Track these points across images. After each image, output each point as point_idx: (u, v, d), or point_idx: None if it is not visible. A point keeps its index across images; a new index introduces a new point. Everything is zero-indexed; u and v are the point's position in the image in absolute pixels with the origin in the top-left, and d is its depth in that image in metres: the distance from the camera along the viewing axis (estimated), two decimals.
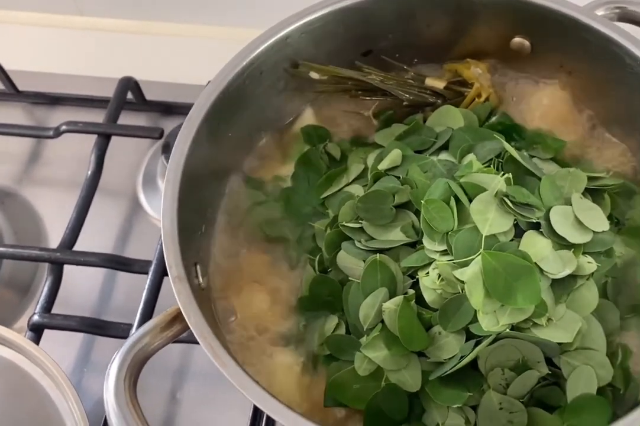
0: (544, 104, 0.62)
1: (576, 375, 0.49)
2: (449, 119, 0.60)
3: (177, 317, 0.47)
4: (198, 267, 0.51)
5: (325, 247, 0.55)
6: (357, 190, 0.58)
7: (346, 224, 0.54)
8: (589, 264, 0.50)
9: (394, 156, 0.56)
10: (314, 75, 0.61)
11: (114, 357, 0.45)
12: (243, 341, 0.52)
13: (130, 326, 0.66)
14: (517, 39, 0.60)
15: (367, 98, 0.63)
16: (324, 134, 0.63)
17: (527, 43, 0.60)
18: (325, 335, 0.52)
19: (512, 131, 0.61)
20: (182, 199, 0.50)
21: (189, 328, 0.46)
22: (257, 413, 0.65)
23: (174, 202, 0.50)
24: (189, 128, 0.53)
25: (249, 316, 0.54)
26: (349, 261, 0.53)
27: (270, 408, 0.42)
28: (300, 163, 0.61)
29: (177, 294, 0.45)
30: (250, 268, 0.56)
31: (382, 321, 0.50)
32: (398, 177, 0.56)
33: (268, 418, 0.65)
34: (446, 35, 0.61)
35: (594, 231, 0.51)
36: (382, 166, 0.56)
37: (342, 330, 0.52)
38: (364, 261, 0.52)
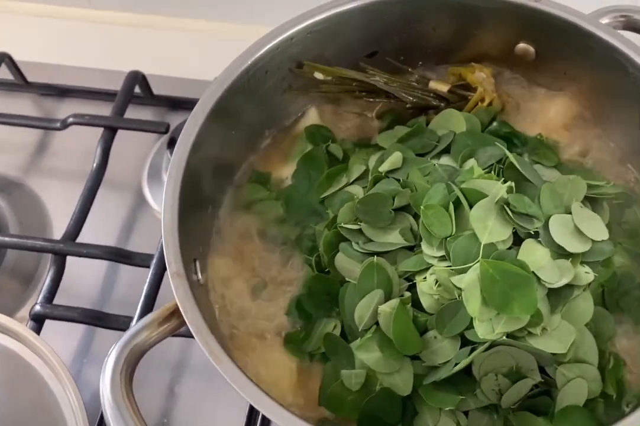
0: (547, 110, 0.62)
1: (569, 387, 0.49)
2: (452, 122, 0.60)
3: (175, 312, 0.47)
4: (197, 263, 0.52)
5: (324, 247, 0.55)
6: (358, 191, 0.58)
7: (345, 225, 0.54)
8: (587, 275, 0.50)
9: (395, 158, 0.57)
10: (319, 75, 0.61)
11: (111, 350, 0.46)
12: (240, 336, 0.52)
13: (130, 318, 0.67)
14: (521, 45, 0.60)
15: (371, 99, 0.63)
16: (327, 134, 0.63)
17: (531, 49, 0.60)
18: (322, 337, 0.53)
19: (513, 137, 0.61)
20: (183, 196, 0.51)
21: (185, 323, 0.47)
22: (253, 408, 0.66)
23: (175, 199, 0.50)
24: (193, 124, 0.54)
25: (245, 311, 0.54)
26: (347, 262, 0.53)
27: (264, 406, 0.43)
28: (302, 162, 0.62)
29: (175, 290, 0.46)
30: (249, 264, 0.57)
31: (377, 323, 0.50)
32: (398, 180, 0.56)
33: None
34: (451, 39, 0.62)
35: (593, 240, 0.51)
36: (383, 168, 0.57)
37: (337, 331, 0.52)
38: (362, 262, 0.52)
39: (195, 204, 0.53)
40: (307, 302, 0.55)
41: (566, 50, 0.59)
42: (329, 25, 0.58)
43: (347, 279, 0.53)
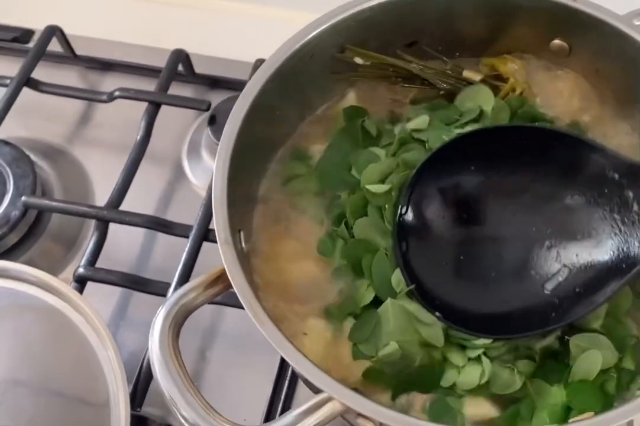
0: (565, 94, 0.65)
1: (583, 358, 0.53)
2: (480, 97, 0.63)
3: (220, 277, 0.51)
4: (242, 233, 0.55)
5: (350, 213, 0.58)
6: (381, 153, 0.61)
7: (369, 187, 0.57)
8: None
9: (421, 120, 0.61)
10: (359, 60, 0.64)
11: (161, 308, 0.50)
12: (278, 304, 0.56)
13: (168, 285, 0.71)
14: (556, 41, 0.63)
15: (406, 85, 0.66)
16: (364, 114, 0.66)
17: (566, 46, 0.63)
18: (359, 304, 0.56)
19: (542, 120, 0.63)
20: (231, 169, 0.54)
21: (230, 287, 0.51)
22: (281, 374, 0.70)
23: (224, 173, 0.54)
24: (242, 104, 0.57)
25: (287, 280, 0.58)
26: (374, 228, 0.57)
27: (303, 367, 0.46)
28: (337, 137, 0.64)
29: (223, 256, 0.49)
30: (289, 238, 0.60)
31: None
32: (423, 142, 0.59)
33: (291, 380, 0.70)
34: (489, 33, 0.64)
35: None
36: (409, 126, 0.60)
37: (371, 295, 0.56)
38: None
39: (241, 179, 0.56)
40: (346, 269, 0.58)
41: (600, 49, 0.61)
42: (372, 15, 0.61)
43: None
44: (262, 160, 0.62)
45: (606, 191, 0.55)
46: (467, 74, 0.66)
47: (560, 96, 0.65)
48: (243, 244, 0.55)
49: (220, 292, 0.52)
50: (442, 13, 0.63)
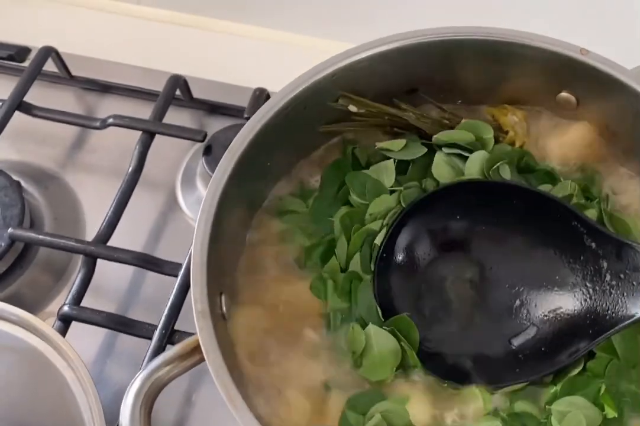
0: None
1: (567, 421, 0.53)
2: (479, 129, 0.61)
3: (197, 348, 0.49)
4: (223, 297, 0.53)
5: (350, 249, 0.59)
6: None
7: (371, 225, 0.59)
8: None
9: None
10: (353, 108, 0.61)
11: (132, 382, 0.48)
12: (259, 375, 0.54)
13: (154, 327, 0.69)
14: (564, 94, 0.60)
15: (401, 132, 0.63)
16: (355, 142, 0.64)
17: (573, 99, 0.60)
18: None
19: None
20: (214, 231, 0.52)
21: None
22: None
23: (206, 235, 0.52)
24: (229, 159, 0.55)
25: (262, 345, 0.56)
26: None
27: None
28: (329, 168, 0.63)
29: (199, 330, 0.47)
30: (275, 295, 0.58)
31: None
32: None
33: None
34: (491, 82, 0.62)
35: None
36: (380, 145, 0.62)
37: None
38: None
39: (225, 238, 0.54)
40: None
41: (609, 105, 0.59)
42: (370, 63, 0.58)
43: None
44: (248, 214, 0.59)
45: (582, 257, 0.57)
46: None
47: (563, 147, 0.63)
48: (224, 309, 0.53)
49: (197, 363, 0.50)
50: (444, 61, 0.60)
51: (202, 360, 0.50)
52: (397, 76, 0.60)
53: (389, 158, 0.62)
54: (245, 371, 0.51)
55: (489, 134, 0.61)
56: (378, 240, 0.59)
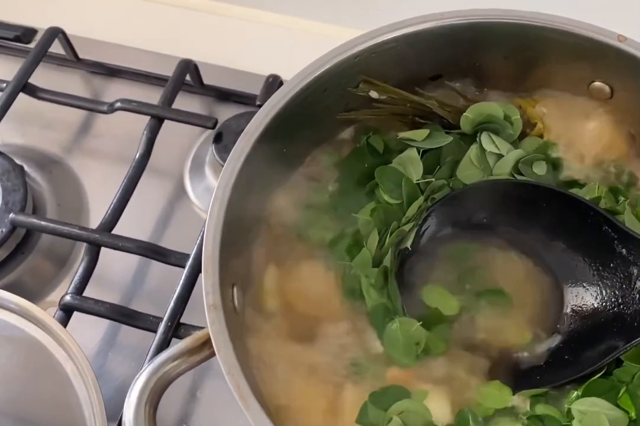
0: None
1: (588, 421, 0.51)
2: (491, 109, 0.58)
3: (207, 343, 0.46)
4: (235, 289, 0.50)
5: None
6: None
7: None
8: None
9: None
10: (374, 94, 0.58)
11: (137, 377, 0.45)
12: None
13: (159, 319, 0.66)
14: (597, 83, 0.57)
15: (422, 122, 0.61)
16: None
17: (607, 89, 0.57)
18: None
19: None
20: (227, 219, 0.49)
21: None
22: None
23: (218, 223, 0.49)
24: (244, 143, 0.52)
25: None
26: None
27: None
28: (345, 159, 0.61)
29: (210, 324, 0.45)
30: (292, 282, 0.56)
31: None
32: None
33: None
34: (522, 69, 0.59)
35: None
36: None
37: None
38: None
39: (238, 227, 0.51)
40: None
41: None
42: (395, 46, 0.56)
43: None
44: (262, 202, 0.56)
45: (612, 264, 0.54)
46: None
47: (589, 140, 0.60)
48: (236, 302, 0.50)
49: (206, 359, 0.47)
50: (472, 45, 0.57)
51: (212, 355, 0.47)
52: (422, 61, 0.58)
53: (406, 147, 0.59)
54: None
55: (516, 115, 0.58)
56: (408, 243, 0.56)
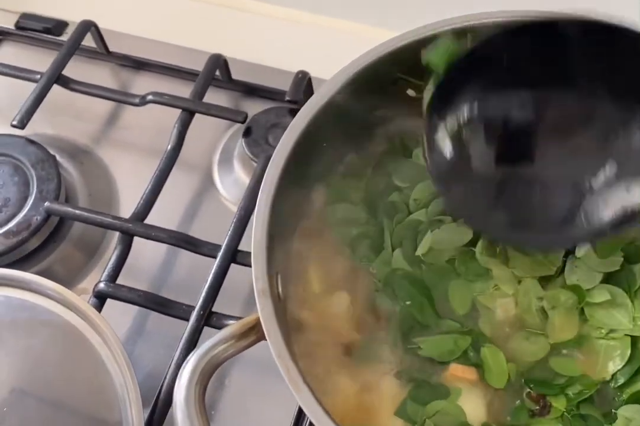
0: None
1: None
2: None
3: (254, 327, 0.48)
4: (279, 277, 0.52)
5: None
6: None
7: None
8: None
9: None
10: (411, 92, 0.60)
11: (188, 359, 0.47)
12: (311, 352, 0.53)
13: (191, 308, 0.68)
14: None
15: None
16: None
17: None
18: None
19: None
20: (273, 210, 0.51)
21: (263, 339, 0.47)
22: (302, 410, 0.67)
23: (266, 213, 0.50)
24: (290, 136, 0.54)
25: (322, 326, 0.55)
26: None
27: None
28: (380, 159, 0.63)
29: (260, 308, 0.46)
30: (327, 274, 0.57)
31: None
32: None
33: None
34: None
35: None
36: None
37: None
38: None
39: (283, 217, 0.53)
40: None
41: None
42: None
43: None
44: (304, 195, 0.58)
45: None
46: None
47: None
48: (280, 289, 0.51)
49: (254, 343, 0.49)
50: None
51: (258, 340, 0.49)
52: None
53: None
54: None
55: None
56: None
